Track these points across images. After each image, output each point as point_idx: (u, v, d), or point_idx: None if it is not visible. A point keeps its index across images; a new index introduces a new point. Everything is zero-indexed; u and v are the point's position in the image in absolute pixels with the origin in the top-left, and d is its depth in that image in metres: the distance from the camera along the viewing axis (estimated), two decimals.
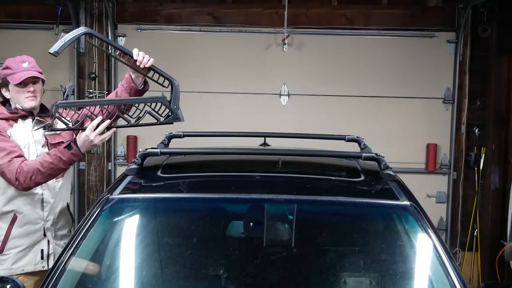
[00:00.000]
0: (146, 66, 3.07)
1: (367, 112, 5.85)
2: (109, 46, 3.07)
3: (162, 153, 2.92)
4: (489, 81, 5.83)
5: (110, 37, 5.81)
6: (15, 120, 3.31)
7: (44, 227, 3.35)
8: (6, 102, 3.38)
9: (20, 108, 3.31)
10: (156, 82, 3.12)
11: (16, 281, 2.51)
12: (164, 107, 3.02)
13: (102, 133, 3.06)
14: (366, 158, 2.85)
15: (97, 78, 5.83)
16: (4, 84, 3.32)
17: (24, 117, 3.33)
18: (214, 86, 5.89)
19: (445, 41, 5.80)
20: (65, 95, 5.78)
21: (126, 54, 3.05)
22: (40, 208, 3.33)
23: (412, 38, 5.83)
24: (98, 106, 3.09)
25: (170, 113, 3.01)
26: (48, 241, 3.37)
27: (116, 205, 2.68)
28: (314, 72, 5.86)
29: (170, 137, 3.64)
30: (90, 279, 2.55)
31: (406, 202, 2.62)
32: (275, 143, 3.95)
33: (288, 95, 5.89)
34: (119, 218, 2.72)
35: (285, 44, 5.74)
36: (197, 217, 2.84)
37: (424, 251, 2.53)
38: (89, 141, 3.04)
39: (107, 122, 3.03)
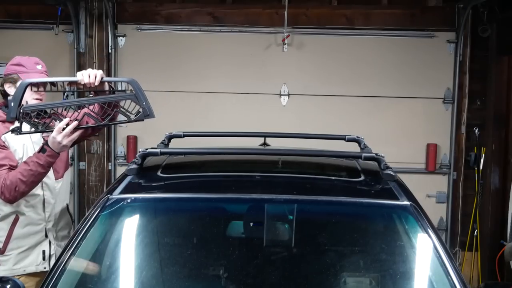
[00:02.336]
0: (96, 83, 3.00)
1: (367, 112, 5.85)
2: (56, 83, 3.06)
3: (162, 153, 2.92)
4: (489, 81, 5.83)
5: (110, 37, 5.82)
6: (12, 122, 3.26)
7: (45, 228, 3.34)
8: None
9: None
10: (117, 91, 3.09)
11: (16, 281, 2.51)
12: (134, 105, 2.98)
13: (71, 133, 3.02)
14: (366, 158, 2.85)
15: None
16: (13, 80, 3.27)
17: None
18: (214, 86, 5.89)
19: (445, 41, 5.80)
20: (65, 95, 5.77)
21: (75, 82, 3.00)
22: (42, 209, 3.32)
23: (412, 38, 5.83)
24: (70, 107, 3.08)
25: (140, 110, 2.97)
26: (50, 242, 3.36)
27: (116, 205, 2.68)
28: (314, 72, 5.86)
29: (170, 137, 3.63)
30: (90, 279, 2.55)
31: (406, 202, 2.63)
32: (275, 143, 3.95)
33: (288, 95, 5.89)
34: (119, 218, 2.72)
35: (285, 44, 5.74)
36: (197, 217, 2.84)
37: (424, 251, 2.54)
38: (57, 142, 2.99)
39: (75, 123, 2.98)
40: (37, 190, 3.27)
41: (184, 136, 3.64)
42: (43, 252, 3.33)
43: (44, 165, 3.07)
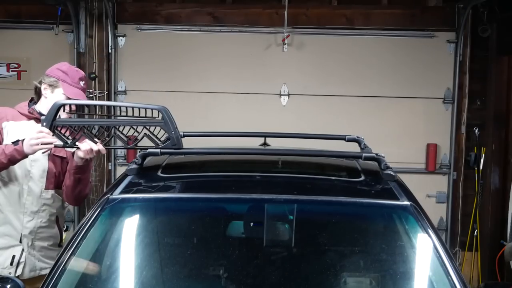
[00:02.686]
0: (90, 156, 2.99)
1: (367, 112, 5.86)
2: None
3: (162, 153, 2.91)
4: (489, 81, 5.83)
5: (110, 37, 5.83)
6: (29, 119, 3.24)
7: (21, 234, 3.22)
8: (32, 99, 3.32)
9: (38, 111, 3.24)
10: (146, 117, 3.00)
11: (16, 281, 2.51)
12: (163, 132, 2.90)
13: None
14: (366, 158, 2.85)
15: (97, 78, 5.83)
16: (54, 85, 3.22)
17: (38, 120, 3.20)
18: (214, 86, 5.89)
19: (445, 41, 5.80)
20: None
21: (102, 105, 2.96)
22: (21, 213, 3.22)
23: (412, 38, 5.83)
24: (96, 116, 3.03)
25: (168, 138, 2.90)
26: (22, 249, 3.23)
27: (116, 205, 2.68)
28: (314, 72, 5.86)
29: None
30: (90, 279, 2.55)
31: (406, 202, 2.62)
32: (275, 143, 3.95)
33: (288, 95, 5.89)
34: (119, 218, 2.72)
35: (285, 44, 5.75)
36: (197, 217, 2.84)
37: (424, 251, 2.53)
38: (28, 144, 2.91)
39: (49, 142, 2.90)
40: (20, 192, 3.22)
41: (184, 136, 3.64)
42: (13, 257, 3.20)
43: (8, 155, 2.97)
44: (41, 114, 3.23)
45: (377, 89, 5.85)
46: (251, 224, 2.82)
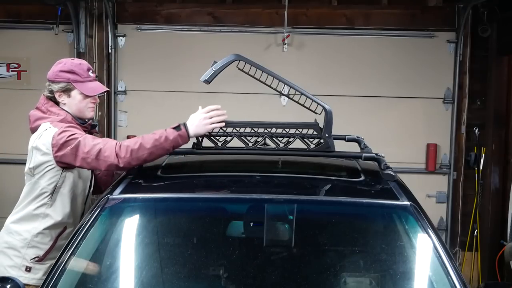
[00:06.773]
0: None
1: (367, 112, 5.85)
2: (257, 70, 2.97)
3: None
4: (489, 81, 5.83)
5: (110, 37, 5.82)
6: (83, 127, 3.11)
7: None
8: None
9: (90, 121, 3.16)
10: (308, 108, 3.00)
11: (16, 281, 2.51)
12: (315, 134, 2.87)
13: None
14: (366, 158, 2.86)
15: (97, 78, 5.81)
16: (68, 89, 3.04)
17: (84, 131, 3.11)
18: (214, 86, 5.84)
19: (445, 41, 5.80)
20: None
21: (273, 77, 2.94)
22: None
23: (412, 38, 5.83)
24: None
25: (320, 141, 2.88)
26: None
27: (116, 205, 2.68)
28: (314, 72, 5.86)
29: None
30: (90, 279, 2.55)
31: (406, 202, 2.63)
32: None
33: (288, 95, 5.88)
34: (119, 218, 2.72)
35: (285, 44, 5.74)
36: (197, 217, 2.84)
37: (424, 251, 2.54)
38: (201, 124, 2.87)
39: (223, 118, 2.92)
40: (82, 201, 3.18)
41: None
42: None
43: (172, 141, 2.83)
44: (91, 124, 3.19)
45: (377, 89, 5.84)
46: (251, 224, 2.82)
